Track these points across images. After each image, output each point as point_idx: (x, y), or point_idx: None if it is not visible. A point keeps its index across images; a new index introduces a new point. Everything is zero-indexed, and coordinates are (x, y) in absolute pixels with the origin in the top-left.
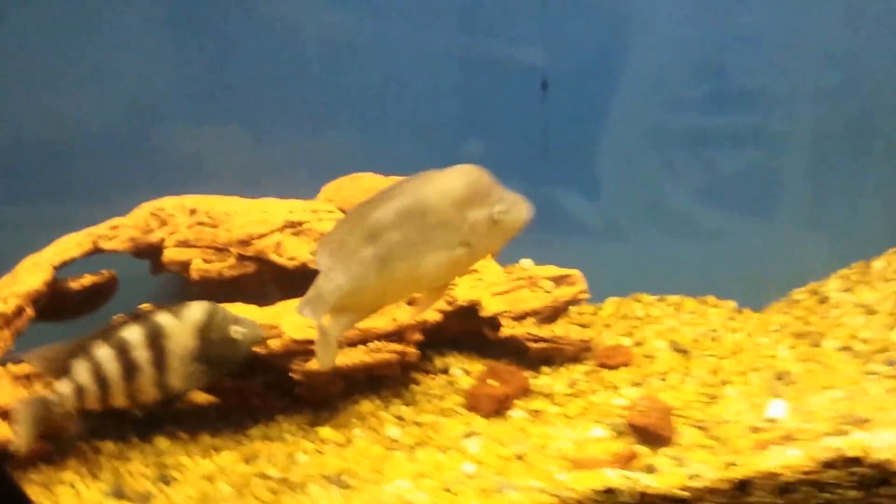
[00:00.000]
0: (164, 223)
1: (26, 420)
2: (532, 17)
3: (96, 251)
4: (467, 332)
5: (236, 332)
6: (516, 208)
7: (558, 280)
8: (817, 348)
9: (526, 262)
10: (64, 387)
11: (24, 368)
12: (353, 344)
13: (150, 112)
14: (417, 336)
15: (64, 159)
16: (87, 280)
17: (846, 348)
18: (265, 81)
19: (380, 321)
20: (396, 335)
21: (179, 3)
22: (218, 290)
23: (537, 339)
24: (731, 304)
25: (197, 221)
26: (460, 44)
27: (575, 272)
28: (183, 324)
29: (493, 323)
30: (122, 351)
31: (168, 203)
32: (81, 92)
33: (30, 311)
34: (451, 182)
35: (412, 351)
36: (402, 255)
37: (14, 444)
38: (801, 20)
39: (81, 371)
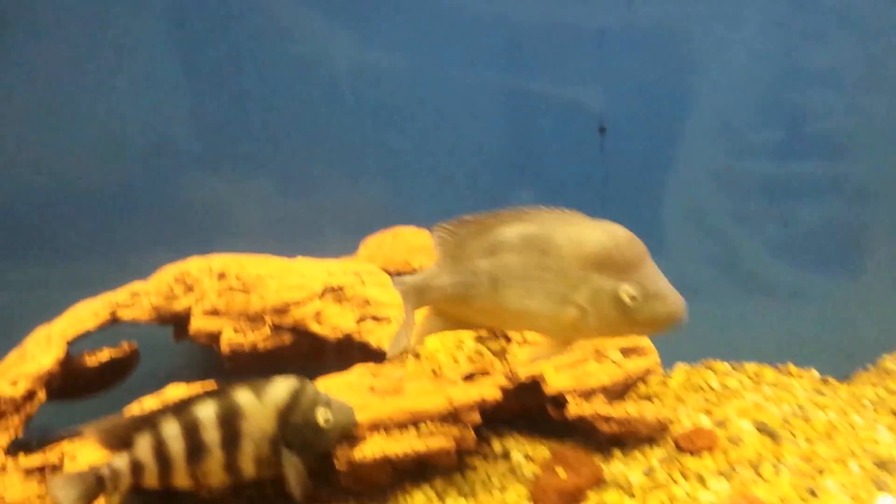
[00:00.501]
0: (190, 289)
1: (70, 496)
2: (588, 54)
3: (114, 321)
4: (529, 410)
5: (324, 417)
6: (658, 301)
7: (627, 351)
8: None
9: None
10: (120, 461)
11: (35, 461)
12: (402, 426)
13: (170, 162)
14: (475, 417)
15: (77, 214)
16: (105, 355)
17: None
18: (293, 127)
19: (433, 400)
20: (451, 416)
21: (200, 45)
22: (251, 363)
23: (608, 420)
24: (814, 373)
25: (227, 286)
26: (510, 84)
27: (646, 343)
28: (263, 404)
29: (559, 401)
30: (191, 429)
31: (194, 266)
32: (95, 143)
33: (41, 395)
34: (587, 232)
35: (470, 435)
36: (512, 283)
37: None
38: (885, 56)
39: (143, 446)
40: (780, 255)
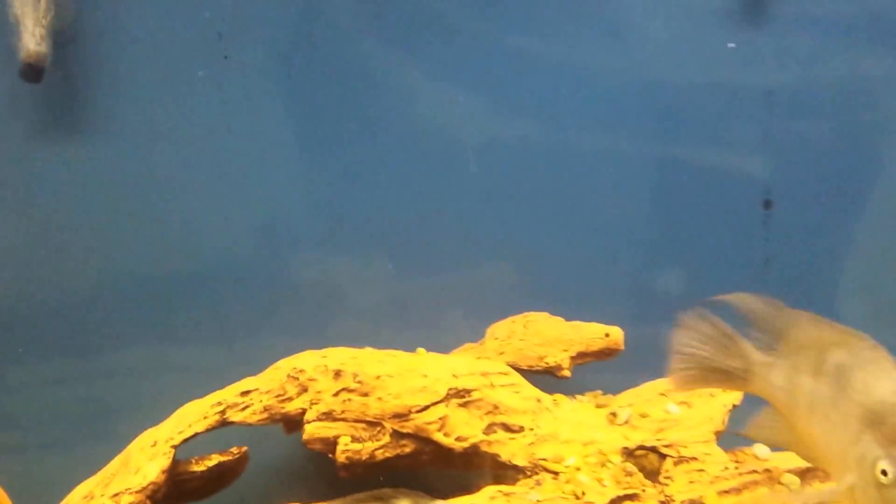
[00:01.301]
0: (304, 389)
1: None
2: (753, 118)
3: (223, 425)
4: None
5: None
6: None
7: (804, 474)
8: None
9: (760, 449)
10: None
11: None
12: None
13: (282, 241)
14: None
15: (188, 298)
16: (213, 460)
17: None
18: (413, 201)
19: None
20: None
21: (314, 112)
22: (367, 472)
23: None
24: None
25: (343, 387)
26: (658, 152)
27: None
28: None
29: None
30: None
31: (309, 362)
32: (205, 222)
33: None
34: (879, 380)
35: None
36: (814, 411)
37: None
38: None
39: None
40: None
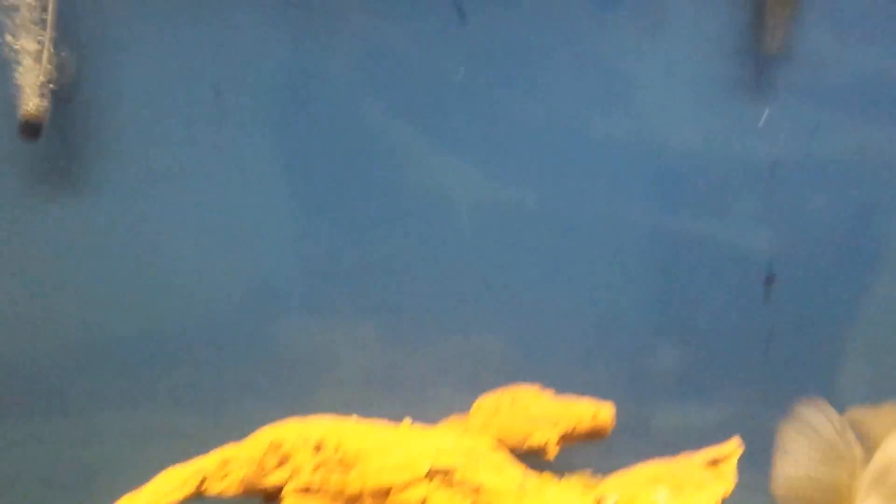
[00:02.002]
0: (284, 461)
1: None
2: (756, 190)
3: (200, 494)
4: None
5: None
6: None
7: None
8: None
9: None
10: None
11: None
12: None
13: (270, 306)
14: None
15: (172, 362)
16: None
17: None
18: (406, 266)
19: None
20: None
21: (306, 173)
22: None
23: None
24: None
25: (323, 460)
26: (657, 223)
27: None
28: None
29: None
30: None
31: (290, 434)
32: (191, 285)
33: None
34: None
35: None
36: None
37: None
38: None
39: None
40: None
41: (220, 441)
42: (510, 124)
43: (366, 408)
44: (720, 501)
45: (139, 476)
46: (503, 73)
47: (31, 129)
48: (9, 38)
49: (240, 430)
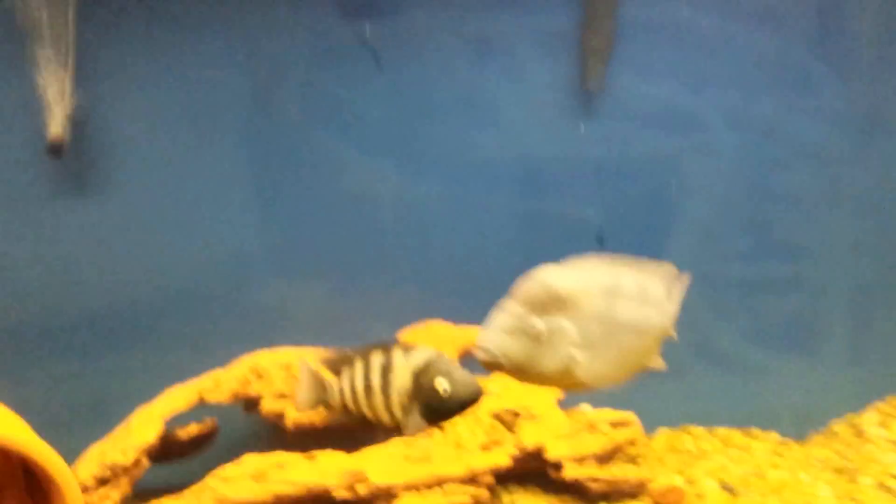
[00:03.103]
0: (261, 377)
1: (305, 381)
2: (589, 181)
3: (201, 403)
4: (533, 472)
5: (442, 387)
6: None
7: (616, 424)
8: (854, 485)
9: (585, 407)
10: (334, 384)
11: None
12: (430, 486)
13: (244, 271)
14: (489, 479)
15: (170, 313)
16: (193, 429)
17: (881, 485)
18: (346, 243)
19: (455, 466)
20: (470, 479)
21: (270, 178)
22: (310, 436)
23: (597, 480)
24: (775, 435)
25: (290, 375)
26: (523, 206)
27: (630, 416)
28: (406, 363)
29: (558, 465)
30: (366, 372)
31: (264, 359)
32: (185, 255)
33: (145, 462)
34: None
35: (484, 494)
36: None
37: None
38: (837, 179)
39: (345, 376)
40: (750, 340)
41: (209, 371)
42: (417, 140)
43: (318, 342)
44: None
45: (150, 399)
46: (410, 104)
47: (55, 149)
48: (39, 79)
49: (223, 362)
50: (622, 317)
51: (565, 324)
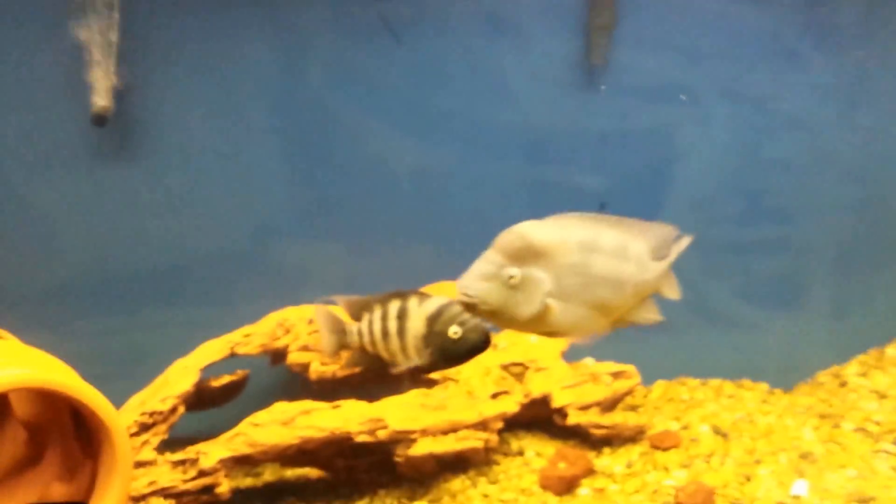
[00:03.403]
0: (287, 331)
1: (325, 325)
2: (593, 151)
3: (233, 356)
4: (540, 419)
5: (454, 332)
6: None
7: (616, 374)
8: (837, 429)
9: (589, 361)
10: (353, 327)
11: (178, 456)
12: (445, 432)
13: (272, 234)
14: (498, 425)
15: (206, 273)
16: (225, 379)
17: (861, 429)
18: (365, 208)
19: (468, 413)
20: (481, 425)
21: (296, 147)
22: (332, 386)
23: (599, 427)
24: (764, 386)
25: (314, 329)
26: (531, 175)
27: (630, 367)
28: (421, 310)
29: (562, 412)
30: (384, 317)
31: (291, 314)
32: (219, 219)
33: (181, 409)
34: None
35: (494, 438)
36: None
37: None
38: (824, 147)
39: (364, 321)
40: (741, 297)
41: (239, 326)
42: (434, 113)
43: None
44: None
45: (185, 352)
46: (426, 77)
47: (99, 119)
48: (87, 55)
49: (253, 319)
50: (598, 270)
51: (540, 274)
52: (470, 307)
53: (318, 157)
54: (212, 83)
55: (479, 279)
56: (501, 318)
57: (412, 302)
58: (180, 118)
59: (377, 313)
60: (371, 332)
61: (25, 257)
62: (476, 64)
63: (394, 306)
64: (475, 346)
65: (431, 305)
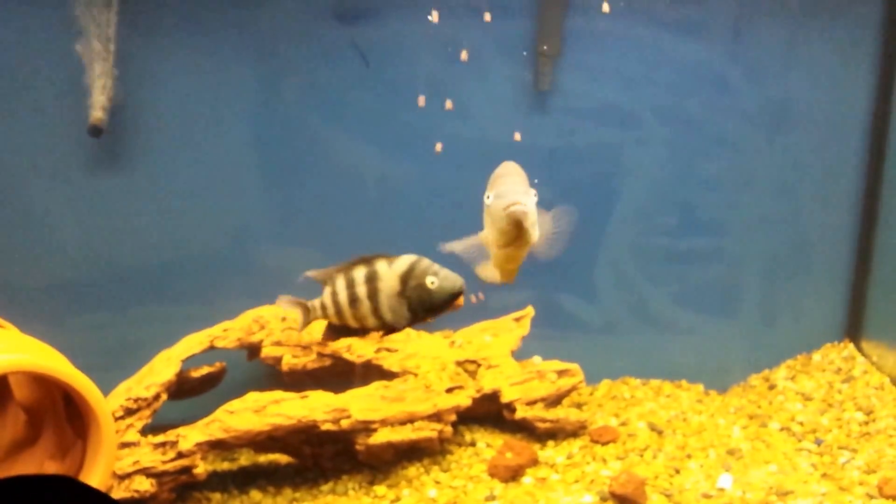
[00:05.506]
0: (262, 327)
1: (290, 308)
2: (542, 165)
3: (212, 348)
4: (490, 413)
5: (431, 282)
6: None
7: (561, 372)
8: (764, 428)
9: (536, 359)
10: (316, 301)
11: (159, 438)
12: (402, 422)
13: (251, 238)
14: (452, 417)
15: (190, 273)
16: (204, 370)
17: (786, 429)
18: (335, 214)
19: (424, 405)
20: (436, 416)
21: (272, 157)
22: (303, 378)
23: (544, 420)
24: (700, 387)
25: (287, 326)
26: (484, 185)
27: (574, 366)
28: (392, 271)
29: (511, 407)
30: (350, 284)
31: (266, 311)
32: (202, 223)
33: (164, 396)
34: None
35: (448, 429)
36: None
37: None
38: (752, 166)
39: (326, 294)
40: (678, 303)
41: (219, 322)
42: (400, 126)
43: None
44: (520, 338)
45: (169, 344)
46: (392, 96)
47: (95, 130)
48: (85, 69)
49: (232, 315)
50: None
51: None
52: (523, 216)
53: (293, 167)
54: (197, 99)
55: (524, 195)
56: (530, 230)
57: (380, 265)
58: (169, 131)
59: (340, 283)
60: (336, 303)
61: (25, 255)
62: (436, 85)
63: (359, 272)
64: (453, 292)
65: (402, 263)
